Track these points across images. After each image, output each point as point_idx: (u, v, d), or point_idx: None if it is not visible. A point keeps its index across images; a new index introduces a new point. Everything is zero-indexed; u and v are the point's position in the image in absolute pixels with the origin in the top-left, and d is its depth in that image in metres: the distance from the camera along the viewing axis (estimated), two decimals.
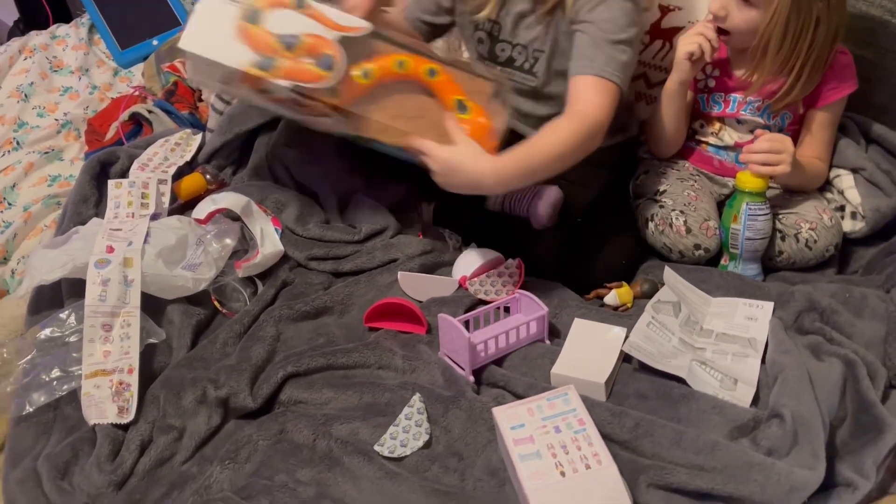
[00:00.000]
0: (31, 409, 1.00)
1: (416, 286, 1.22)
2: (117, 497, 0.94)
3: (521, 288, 1.20)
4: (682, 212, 1.24)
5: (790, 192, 1.30)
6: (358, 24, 1.01)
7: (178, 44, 1.01)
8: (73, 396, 1.03)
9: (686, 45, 1.22)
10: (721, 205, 1.29)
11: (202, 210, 1.22)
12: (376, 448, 0.98)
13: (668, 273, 1.18)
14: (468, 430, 1.00)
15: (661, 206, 1.26)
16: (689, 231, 1.23)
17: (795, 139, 1.26)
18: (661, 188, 1.30)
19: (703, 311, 1.15)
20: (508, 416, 0.95)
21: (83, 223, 1.22)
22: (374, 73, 1.01)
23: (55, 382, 1.02)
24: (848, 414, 0.99)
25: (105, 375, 1.02)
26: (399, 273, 1.21)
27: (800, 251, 1.22)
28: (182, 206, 1.32)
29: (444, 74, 1.03)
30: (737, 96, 1.28)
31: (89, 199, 1.29)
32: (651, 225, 1.27)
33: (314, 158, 1.41)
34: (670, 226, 1.24)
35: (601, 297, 1.24)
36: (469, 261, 1.25)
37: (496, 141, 1.05)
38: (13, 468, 0.97)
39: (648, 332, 1.10)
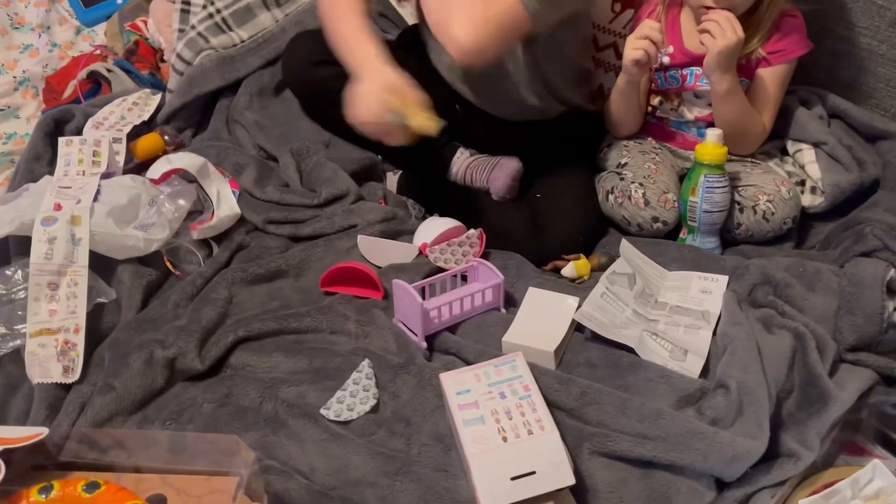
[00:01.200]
0: None
1: (376, 251, 1.21)
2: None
3: (480, 258, 1.20)
4: (641, 184, 1.23)
5: (749, 162, 1.30)
6: (30, 433, 0.77)
7: None
8: (16, 356, 1.01)
9: (631, 51, 1.21)
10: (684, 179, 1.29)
11: (157, 170, 1.19)
12: (322, 411, 0.97)
13: (625, 245, 1.18)
14: (416, 395, 0.99)
15: (622, 179, 1.26)
16: (647, 203, 1.23)
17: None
18: (623, 161, 1.29)
19: (658, 284, 1.15)
20: (455, 382, 0.95)
21: (35, 181, 1.20)
22: (55, 490, 0.75)
23: None
24: (795, 386, 0.99)
25: (50, 334, 1.01)
26: (359, 236, 1.20)
27: (757, 223, 1.22)
28: (138, 166, 1.29)
29: (111, 486, 0.75)
30: (693, 69, 1.27)
31: (42, 157, 1.27)
32: (611, 197, 1.26)
33: (275, 122, 1.39)
34: (629, 198, 1.23)
35: (559, 269, 1.23)
36: (430, 229, 1.24)
37: None
38: None
39: (602, 303, 1.10)
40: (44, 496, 0.73)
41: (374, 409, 0.98)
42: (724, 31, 1.15)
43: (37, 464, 0.76)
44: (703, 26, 1.18)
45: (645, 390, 0.97)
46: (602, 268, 1.23)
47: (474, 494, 0.86)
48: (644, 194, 1.23)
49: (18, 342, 1.01)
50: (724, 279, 1.12)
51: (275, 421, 0.96)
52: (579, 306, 1.08)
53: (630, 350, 1.03)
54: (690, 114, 1.32)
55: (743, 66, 1.25)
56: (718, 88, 1.21)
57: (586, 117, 1.44)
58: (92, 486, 0.74)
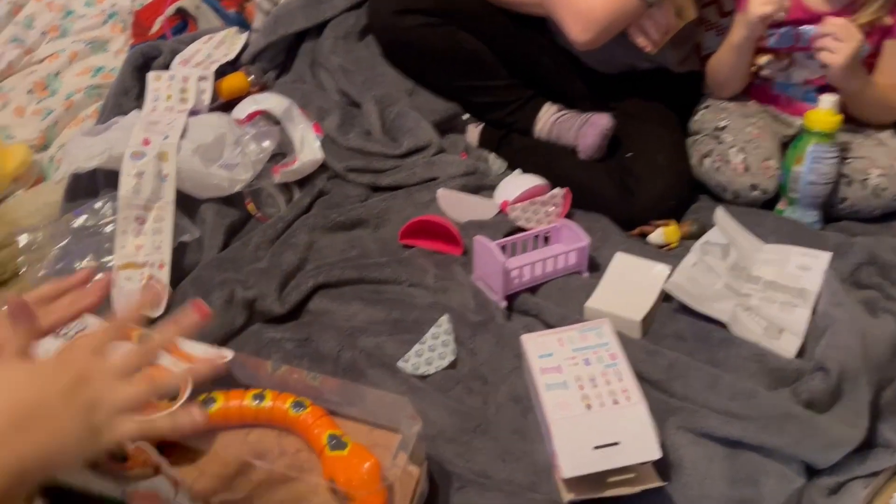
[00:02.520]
0: None
1: (456, 205, 1.18)
2: None
3: (564, 218, 1.16)
4: (742, 149, 1.16)
5: (862, 133, 1.21)
6: (215, 354, 0.80)
7: None
8: None
9: (761, 6, 1.12)
10: (785, 147, 1.21)
11: (243, 110, 1.18)
12: (399, 364, 0.96)
13: (720, 214, 1.12)
14: (495, 354, 0.97)
15: (720, 143, 1.19)
16: (747, 169, 1.16)
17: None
18: (722, 124, 1.22)
19: (753, 256, 1.09)
20: (537, 344, 0.92)
21: (124, 115, 1.20)
22: (218, 403, 0.77)
23: None
24: None
25: (136, 268, 1.02)
26: (439, 190, 1.17)
27: (865, 198, 1.14)
28: (222, 105, 1.28)
29: (314, 409, 0.77)
30: (810, 29, 1.18)
31: (130, 92, 1.27)
32: (706, 161, 1.20)
33: (359, 66, 1.36)
34: (727, 163, 1.17)
35: (646, 235, 1.19)
36: (513, 186, 1.20)
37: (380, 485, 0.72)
38: None
39: (693, 273, 1.05)
40: (256, 402, 0.77)
41: (452, 365, 0.97)
42: (841, 43, 1.07)
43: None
44: (819, 44, 1.10)
45: (736, 367, 0.92)
46: (692, 236, 1.17)
47: (553, 461, 0.84)
48: (745, 160, 1.16)
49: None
50: (825, 256, 1.06)
51: (353, 370, 0.95)
52: (669, 275, 1.04)
53: (720, 324, 0.98)
54: (800, 76, 1.23)
55: (866, 33, 1.16)
56: (846, 87, 1.14)
57: (680, 76, 1.36)
58: (298, 406, 0.77)
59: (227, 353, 0.80)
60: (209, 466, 0.75)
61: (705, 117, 1.27)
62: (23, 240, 1.02)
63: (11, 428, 0.46)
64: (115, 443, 0.51)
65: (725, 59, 1.23)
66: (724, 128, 1.22)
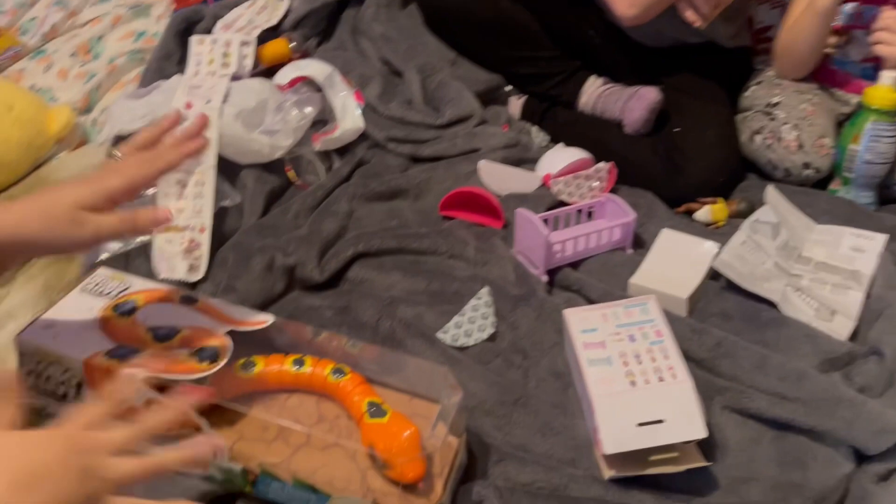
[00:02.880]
0: (105, 256, 1.01)
1: (497, 177, 1.16)
2: None
3: (608, 193, 1.13)
4: (795, 126, 1.12)
5: None
6: (256, 318, 0.79)
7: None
8: (143, 250, 1.03)
9: None
10: (840, 126, 1.17)
11: (285, 75, 1.17)
12: (439, 335, 0.95)
13: (771, 192, 1.08)
14: (535, 329, 0.96)
15: (772, 119, 1.15)
16: (800, 147, 1.12)
17: None
18: (775, 100, 1.18)
19: (804, 236, 1.06)
20: (580, 319, 0.90)
21: (166, 79, 1.20)
22: (258, 367, 0.75)
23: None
24: None
25: (177, 231, 1.02)
26: (481, 161, 1.16)
27: None
28: (264, 71, 1.27)
29: (354, 377, 0.76)
30: (872, 8, 1.13)
31: (172, 56, 1.26)
32: (757, 138, 1.16)
33: (401, 35, 1.34)
34: (779, 140, 1.13)
35: (692, 212, 1.16)
36: (556, 159, 1.18)
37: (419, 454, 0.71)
38: None
39: (742, 252, 1.02)
40: (296, 368, 0.76)
41: (492, 338, 0.95)
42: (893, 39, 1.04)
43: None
44: (875, 37, 1.07)
45: (786, 348, 0.90)
46: (740, 215, 1.14)
47: (595, 436, 0.82)
48: (798, 137, 1.12)
49: (146, 237, 1.03)
50: (881, 238, 1.02)
51: (392, 339, 0.94)
52: (717, 253, 1.01)
53: (770, 304, 0.95)
54: (858, 54, 1.19)
55: None
56: None
57: (731, 51, 1.32)
58: (338, 372, 0.76)
59: (268, 318, 0.79)
60: (248, 430, 0.75)
61: (757, 93, 1.23)
62: None
63: (13, 490, 0.46)
64: (119, 486, 0.50)
65: (806, 31, 1.15)
66: (776, 104, 1.18)
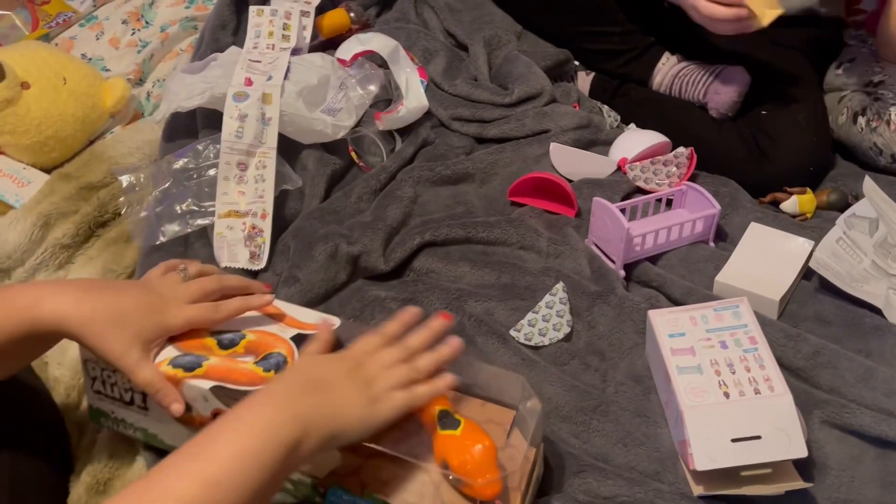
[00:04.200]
0: (164, 240, 0.97)
1: (569, 161, 1.09)
2: None
3: (688, 181, 1.06)
4: None
5: None
6: (322, 320, 0.74)
7: None
8: (203, 234, 0.99)
9: None
10: None
11: (347, 50, 1.11)
12: (512, 333, 0.90)
13: (869, 184, 1.00)
14: (615, 329, 0.90)
15: (877, 99, 1.06)
16: None
17: None
18: (877, 78, 1.09)
19: None
20: (667, 322, 0.84)
21: (220, 50, 1.14)
22: None
23: (188, 216, 0.98)
24: None
25: (238, 217, 0.98)
26: (552, 144, 1.09)
27: None
28: (322, 43, 1.22)
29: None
30: None
31: (228, 26, 1.21)
32: (860, 120, 1.07)
33: (466, 4, 1.27)
34: (888, 123, 1.04)
35: (778, 203, 1.08)
36: (632, 142, 1.11)
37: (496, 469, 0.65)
38: None
39: (837, 249, 0.95)
40: None
41: (567, 338, 0.90)
42: None
43: None
44: None
45: (893, 360, 0.83)
46: (830, 206, 1.07)
47: (683, 450, 0.77)
48: None
49: (206, 220, 0.99)
50: None
51: (462, 336, 0.88)
52: (812, 251, 0.94)
53: (872, 308, 0.88)
54: None
55: None
56: None
57: (821, 22, 1.22)
58: None
59: (335, 321, 0.75)
60: None
61: (854, 70, 1.14)
62: (125, 180, 0.99)
63: (300, 391, 0.59)
64: (388, 414, 0.63)
65: None
66: (880, 83, 1.08)
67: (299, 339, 0.72)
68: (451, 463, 0.65)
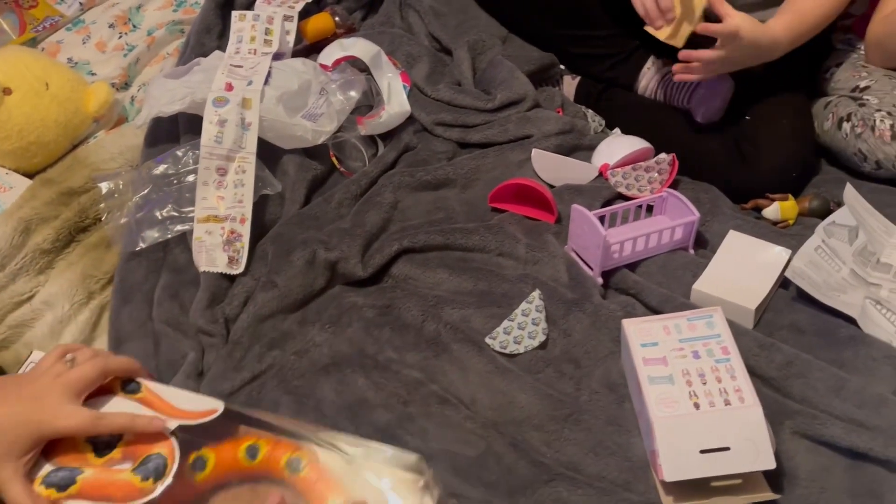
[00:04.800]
0: (143, 246, 0.98)
1: (551, 167, 1.09)
2: (223, 349, 0.91)
3: (670, 187, 1.06)
4: (889, 113, 1.03)
5: None
6: (206, 407, 0.66)
7: None
8: (182, 239, 1.00)
9: None
10: None
11: (329, 55, 1.11)
12: (487, 340, 0.90)
13: (850, 192, 1.00)
14: (590, 336, 0.90)
15: (862, 105, 1.06)
16: (895, 137, 1.03)
17: None
18: (863, 84, 1.09)
19: (882, 241, 0.98)
20: (640, 331, 0.84)
21: (205, 55, 1.15)
22: (210, 463, 0.64)
23: (168, 222, 0.99)
24: None
25: (217, 222, 0.98)
26: (533, 150, 1.09)
27: None
28: (307, 48, 1.22)
29: (313, 468, 0.64)
30: None
31: (213, 30, 1.21)
32: (845, 126, 1.07)
33: (451, 8, 1.27)
34: (872, 129, 1.04)
35: (760, 209, 1.08)
36: (614, 147, 1.11)
37: None
38: (125, 304, 0.95)
39: (815, 258, 0.95)
40: (249, 458, 0.64)
41: (543, 346, 0.90)
42: None
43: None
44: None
45: (865, 370, 0.83)
46: (812, 213, 1.07)
47: (653, 459, 0.77)
48: (892, 126, 1.02)
49: (185, 226, 0.99)
50: None
51: (437, 343, 0.90)
52: (789, 259, 0.94)
53: (845, 318, 0.88)
54: None
55: None
56: None
57: None
58: (294, 465, 0.63)
59: (218, 405, 0.66)
60: None
61: (840, 76, 1.14)
62: (104, 187, 0.99)
63: None
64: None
65: None
66: (865, 88, 1.08)
67: (182, 431, 0.64)
68: None
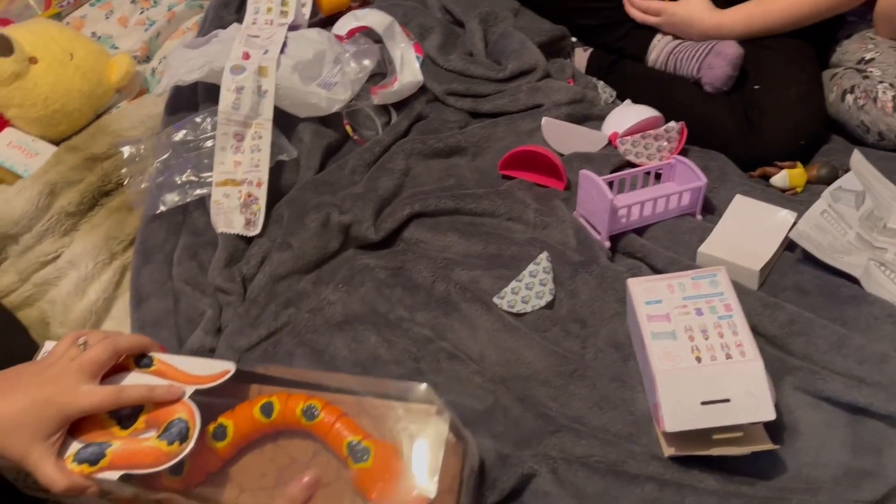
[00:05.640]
0: (164, 209, 1.01)
1: (561, 136, 1.11)
2: (240, 307, 0.94)
3: (678, 155, 1.07)
4: (891, 85, 1.04)
5: None
6: (218, 370, 0.68)
7: None
8: (201, 203, 1.03)
9: None
10: None
11: (343, 26, 1.14)
12: (495, 300, 0.92)
13: (857, 158, 1.01)
14: (596, 297, 0.92)
15: (866, 77, 1.06)
16: None
17: None
18: (868, 56, 1.09)
19: (890, 206, 0.99)
20: (645, 290, 0.86)
21: (223, 28, 1.17)
22: (230, 430, 0.67)
23: (187, 186, 1.02)
24: None
25: (234, 185, 1.01)
26: (544, 118, 1.11)
27: None
28: (322, 21, 1.24)
29: (328, 412, 0.66)
30: None
31: (231, 4, 1.24)
32: (849, 98, 1.08)
33: None
34: (874, 100, 1.04)
35: (768, 177, 1.09)
36: (623, 117, 1.12)
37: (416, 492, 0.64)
38: (146, 264, 0.99)
39: (821, 222, 0.96)
40: (265, 416, 0.67)
41: (549, 306, 0.92)
42: None
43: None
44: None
45: (867, 328, 0.84)
46: (820, 180, 1.07)
47: (655, 412, 0.79)
48: (895, 98, 1.03)
49: (204, 190, 1.02)
50: None
51: (447, 303, 0.92)
52: (794, 222, 0.95)
53: (850, 279, 0.89)
54: None
55: None
56: None
57: None
58: (310, 412, 0.66)
59: (229, 366, 0.69)
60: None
61: (847, 48, 1.14)
62: (126, 151, 1.03)
63: None
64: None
65: None
66: (870, 60, 1.08)
67: (199, 395, 0.66)
68: (369, 496, 0.64)
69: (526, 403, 0.83)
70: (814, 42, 1.19)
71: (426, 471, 0.64)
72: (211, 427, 0.67)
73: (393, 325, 0.91)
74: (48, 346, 0.71)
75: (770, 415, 0.74)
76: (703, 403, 0.76)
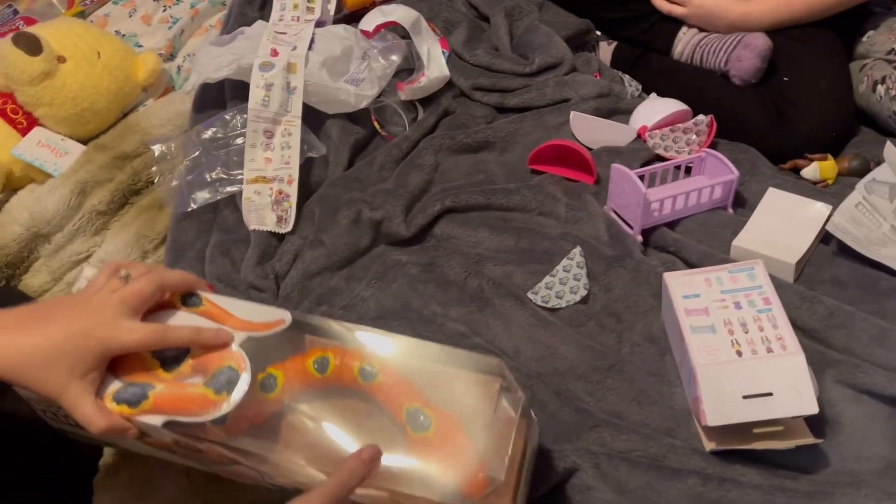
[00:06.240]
0: (194, 207, 1.01)
1: (589, 130, 1.10)
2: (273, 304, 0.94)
3: (707, 148, 1.07)
4: None
5: None
6: (272, 318, 0.63)
7: None
8: (231, 201, 1.03)
9: None
10: None
11: (370, 21, 1.13)
12: (529, 295, 0.92)
13: (890, 149, 1.00)
14: (630, 292, 0.92)
15: None
16: None
17: None
18: None
19: None
20: (681, 284, 0.86)
21: (247, 25, 1.17)
22: (279, 382, 0.61)
23: (217, 184, 1.02)
24: None
25: (265, 183, 1.01)
26: (572, 112, 1.10)
27: None
28: (346, 16, 1.24)
29: (386, 375, 0.61)
30: None
31: (255, 1, 1.24)
32: (880, 88, 1.07)
33: None
34: None
35: (798, 169, 1.08)
36: (651, 110, 1.11)
37: (483, 475, 0.58)
38: (177, 261, 0.99)
39: (856, 214, 0.95)
40: (319, 371, 0.62)
41: (584, 301, 0.92)
42: None
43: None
44: None
45: None
46: (852, 172, 1.07)
47: (696, 406, 0.79)
48: None
49: (234, 188, 1.02)
50: None
51: (480, 298, 0.92)
52: (830, 214, 0.94)
53: (888, 272, 0.89)
54: None
55: None
56: None
57: None
58: (367, 373, 0.61)
59: (285, 315, 0.64)
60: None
61: (875, 38, 1.13)
62: (156, 150, 1.03)
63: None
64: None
65: None
66: None
67: (250, 343, 0.62)
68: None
69: (563, 398, 0.83)
70: (840, 33, 1.18)
71: (493, 450, 0.58)
72: (260, 376, 0.61)
73: (427, 321, 0.91)
74: (88, 272, 0.66)
75: (813, 408, 0.74)
76: (745, 397, 0.76)
